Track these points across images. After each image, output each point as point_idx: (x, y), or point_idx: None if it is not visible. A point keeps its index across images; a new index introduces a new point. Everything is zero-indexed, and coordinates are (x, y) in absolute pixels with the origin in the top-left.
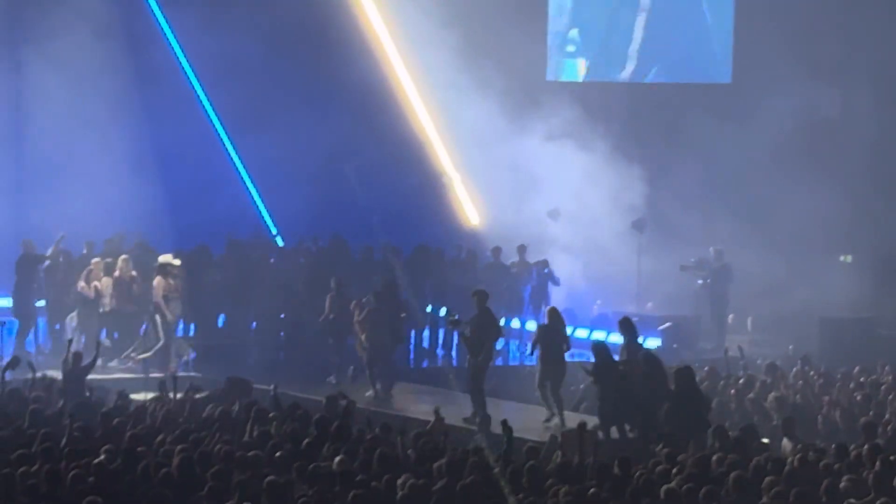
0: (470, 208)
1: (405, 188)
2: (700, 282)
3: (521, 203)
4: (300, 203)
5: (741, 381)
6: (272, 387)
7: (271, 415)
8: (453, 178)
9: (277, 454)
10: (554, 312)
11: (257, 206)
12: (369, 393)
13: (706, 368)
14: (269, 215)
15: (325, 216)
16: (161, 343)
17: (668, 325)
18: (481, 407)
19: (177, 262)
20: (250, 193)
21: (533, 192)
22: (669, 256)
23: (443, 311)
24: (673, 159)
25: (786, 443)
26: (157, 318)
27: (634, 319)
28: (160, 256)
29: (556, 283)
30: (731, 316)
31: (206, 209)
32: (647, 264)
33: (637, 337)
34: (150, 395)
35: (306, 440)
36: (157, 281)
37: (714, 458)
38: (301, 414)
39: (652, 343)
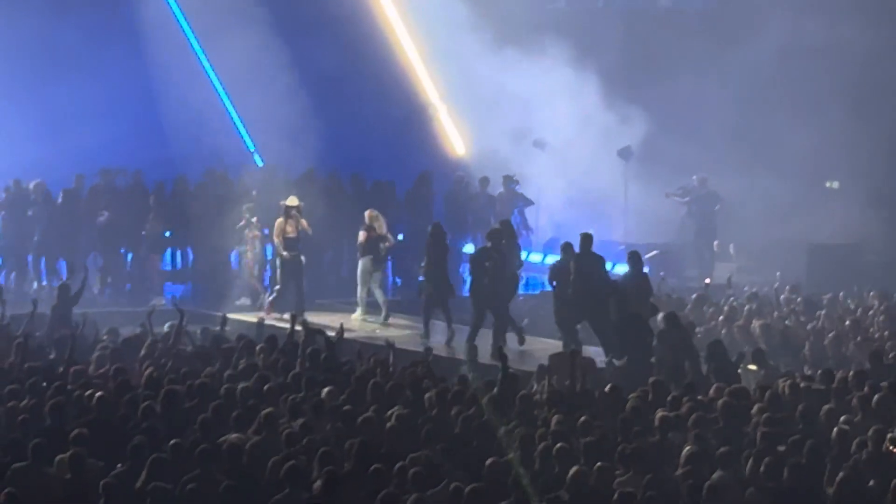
0: (456, 138)
1: (391, 119)
2: (685, 210)
3: (508, 132)
4: (286, 134)
5: (726, 308)
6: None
7: (258, 346)
8: (439, 109)
9: (266, 386)
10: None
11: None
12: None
13: (693, 296)
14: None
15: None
16: (278, 286)
17: (654, 253)
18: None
19: (298, 203)
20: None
21: (519, 121)
22: (656, 184)
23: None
24: (660, 88)
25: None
26: (277, 260)
27: (620, 248)
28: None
29: (524, 204)
30: (716, 243)
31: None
32: (633, 193)
33: (642, 268)
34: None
35: (293, 372)
36: (278, 222)
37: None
38: (289, 346)
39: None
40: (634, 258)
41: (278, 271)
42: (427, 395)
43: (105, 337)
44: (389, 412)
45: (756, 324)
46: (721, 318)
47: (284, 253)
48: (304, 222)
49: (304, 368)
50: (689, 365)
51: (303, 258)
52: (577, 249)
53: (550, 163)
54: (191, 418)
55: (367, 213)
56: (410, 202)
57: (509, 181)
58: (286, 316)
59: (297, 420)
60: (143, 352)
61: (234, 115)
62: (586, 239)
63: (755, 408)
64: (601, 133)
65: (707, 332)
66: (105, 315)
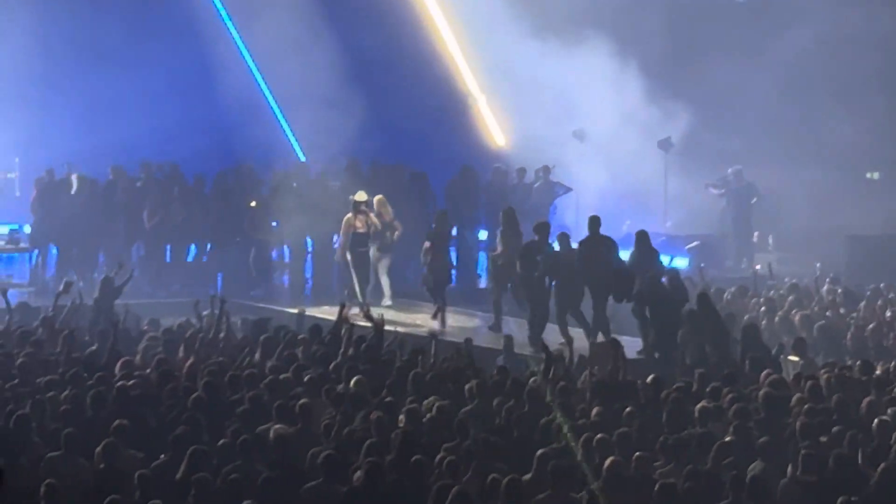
0: (496, 129)
1: (430, 109)
2: (724, 202)
3: (548, 123)
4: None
5: (765, 299)
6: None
7: (300, 337)
8: (478, 99)
9: (306, 377)
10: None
11: (283, 129)
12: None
13: (733, 288)
14: (294, 137)
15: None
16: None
17: (695, 243)
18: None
19: (367, 198)
20: (276, 116)
21: (559, 112)
22: (697, 175)
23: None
24: (701, 78)
25: (785, 362)
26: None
27: (661, 239)
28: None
29: (562, 191)
30: (755, 234)
31: (234, 133)
32: (674, 184)
33: (648, 248)
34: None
35: (333, 363)
36: (347, 217)
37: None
38: (330, 337)
39: (679, 262)
40: (641, 237)
41: (350, 267)
42: (468, 386)
43: (146, 328)
44: (430, 403)
45: (796, 315)
46: (762, 308)
47: (347, 254)
48: (373, 217)
49: (346, 359)
50: (709, 349)
51: (370, 254)
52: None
53: (590, 154)
54: (231, 409)
55: (375, 199)
56: (451, 195)
57: (546, 172)
58: (354, 311)
59: (336, 410)
60: (184, 343)
61: (274, 106)
62: (593, 222)
63: (795, 399)
64: (641, 124)
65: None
66: (145, 307)
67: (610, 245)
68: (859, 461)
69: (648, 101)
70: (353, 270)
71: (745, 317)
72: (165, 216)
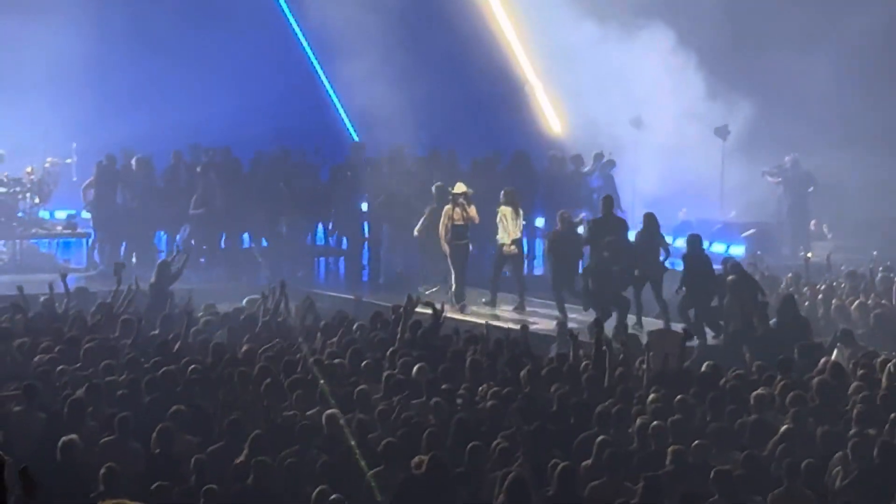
0: (552, 116)
1: (486, 95)
2: (781, 190)
3: (605, 110)
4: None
5: (824, 287)
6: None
7: (357, 324)
8: (535, 86)
9: (364, 363)
10: (650, 218)
11: (340, 116)
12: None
13: (789, 275)
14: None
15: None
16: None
17: (751, 231)
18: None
19: (468, 190)
20: (333, 103)
21: (616, 99)
22: (756, 163)
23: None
24: (760, 65)
25: (839, 350)
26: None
27: (717, 226)
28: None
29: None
30: (812, 222)
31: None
32: (730, 171)
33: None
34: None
35: (390, 349)
36: (446, 209)
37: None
38: (386, 322)
39: (735, 250)
40: (648, 219)
41: (448, 260)
42: (522, 373)
43: (201, 313)
44: (486, 389)
45: (853, 303)
46: (819, 297)
47: (446, 246)
48: (472, 210)
49: (403, 344)
50: (757, 321)
51: (470, 246)
52: None
53: (647, 141)
54: (288, 394)
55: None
56: (510, 181)
57: (599, 158)
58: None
59: (393, 397)
60: (239, 326)
61: (331, 93)
62: (606, 202)
63: (852, 387)
64: (699, 112)
65: (804, 312)
66: (201, 292)
67: (619, 225)
68: None
69: (707, 88)
70: (450, 264)
71: (781, 287)
72: (219, 202)
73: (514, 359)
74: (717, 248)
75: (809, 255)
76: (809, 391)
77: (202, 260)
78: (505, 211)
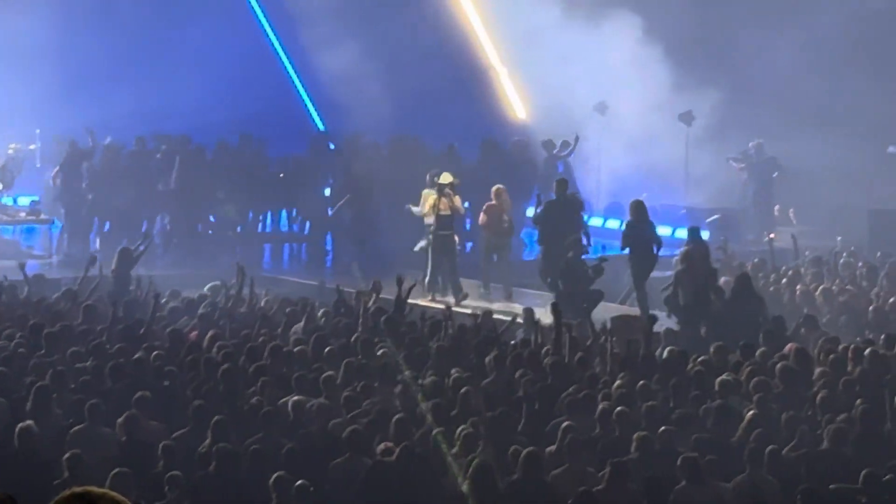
0: (516, 101)
1: (450, 80)
2: (746, 176)
3: (570, 96)
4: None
5: (790, 272)
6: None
7: (322, 311)
8: (499, 71)
9: (327, 350)
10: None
11: (304, 102)
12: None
13: (755, 260)
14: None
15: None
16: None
17: (716, 217)
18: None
19: (455, 180)
20: (296, 88)
21: (580, 85)
22: (721, 149)
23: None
24: (723, 53)
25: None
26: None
27: (682, 212)
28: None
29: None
30: (777, 207)
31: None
32: (698, 158)
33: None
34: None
35: (354, 335)
36: (432, 199)
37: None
38: (350, 307)
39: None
40: (637, 207)
41: (429, 250)
42: (487, 359)
43: (165, 299)
44: (453, 375)
45: (817, 289)
46: (783, 281)
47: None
48: (457, 200)
49: (366, 330)
50: (714, 294)
51: (456, 237)
52: None
53: (611, 127)
54: (252, 381)
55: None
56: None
57: (567, 145)
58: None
59: (357, 383)
60: (199, 312)
61: (295, 79)
62: (561, 184)
63: (816, 372)
64: (664, 98)
65: (769, 298)
66: (165, 278)
67: (573, 205)
68: (875, 437)
69: (673, 75)
70: (431, 253)
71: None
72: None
73: (480, 345)
74: (681, 233)
75: (773, 235)
76: (774, 377)
77: (174, 241)
78: (428, 195)
